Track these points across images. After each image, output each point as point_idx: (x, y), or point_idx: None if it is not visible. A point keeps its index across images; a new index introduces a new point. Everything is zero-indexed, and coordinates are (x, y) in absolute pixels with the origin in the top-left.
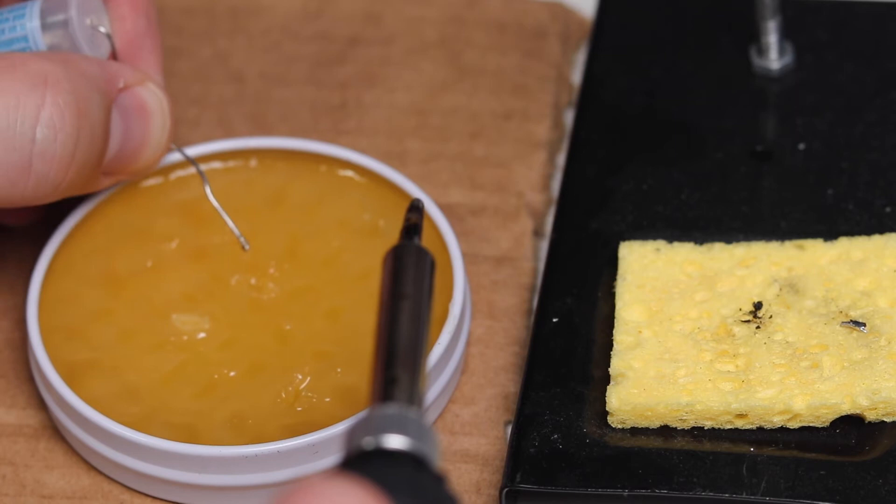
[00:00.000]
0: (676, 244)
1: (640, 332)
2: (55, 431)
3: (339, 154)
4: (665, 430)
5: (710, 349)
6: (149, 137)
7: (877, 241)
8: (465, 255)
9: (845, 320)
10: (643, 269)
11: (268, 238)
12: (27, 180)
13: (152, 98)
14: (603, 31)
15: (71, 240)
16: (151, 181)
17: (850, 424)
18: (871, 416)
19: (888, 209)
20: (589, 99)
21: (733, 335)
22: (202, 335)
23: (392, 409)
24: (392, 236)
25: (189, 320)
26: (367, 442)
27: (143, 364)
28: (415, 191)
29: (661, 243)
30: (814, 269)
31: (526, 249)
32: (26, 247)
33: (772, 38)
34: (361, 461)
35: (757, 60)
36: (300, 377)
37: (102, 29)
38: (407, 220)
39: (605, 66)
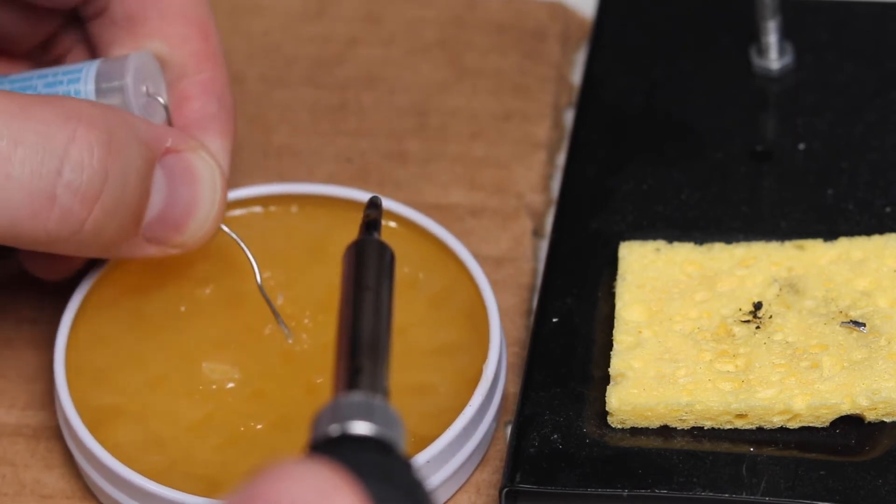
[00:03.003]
0: (676, 244)
1: (640, 332)
2: (55, 432)
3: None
4: (665, 430)
5: (710, 349)
6: (196, 206)
7: (877, 241)
8: None
9: (845, 320)
10: (643, 269)
11: (305, 287)
12: (50, 211)
13: (203, 166)
14: (603, 31)
15: (105, 279)
16: None
17: (850, 424)
18: (870, 417)
19: (888, 209)
20: (589, 99)
21: (733, 335)
22: (231, 385)
23: (357, 396)
24: (432, 290)
25: (219, 369)
26: (333, 429)
27: (170, 412)
28: (457, 245)
29: (661, 243)
30: (814, 270)
31: (525, 250)
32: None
33: (772, 38)
34: (329, 447)
35: (757, 60)
36: None
37: (161, 99)
38: (366, 216)
39: (605, 66)
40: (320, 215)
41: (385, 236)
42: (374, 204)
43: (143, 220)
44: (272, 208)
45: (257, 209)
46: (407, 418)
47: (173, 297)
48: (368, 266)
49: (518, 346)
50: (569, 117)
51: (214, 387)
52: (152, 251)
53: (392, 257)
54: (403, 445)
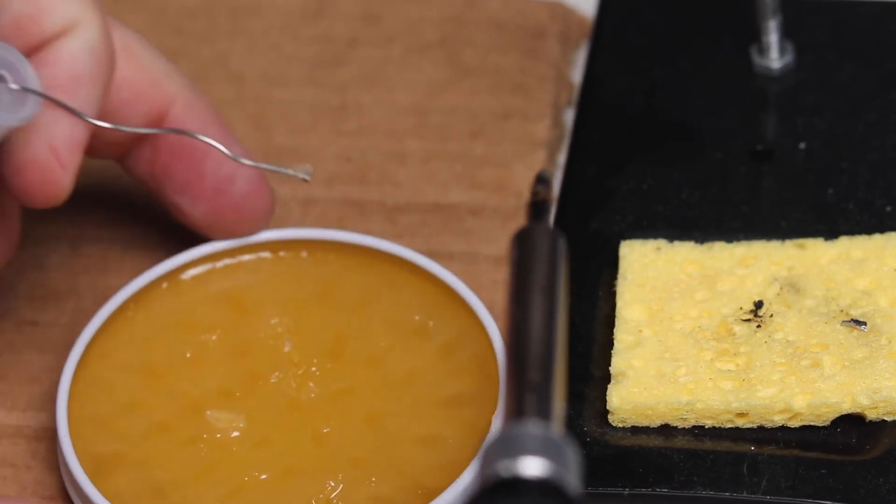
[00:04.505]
0: (677, 243)
1: (640, 331)
2: (56, 433)
3: (391, 250)
4: (666, 429)
5: (711, 348)
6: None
7: (877, 240)
8: (465, 255)
9: (846, 319)
10: (644, 269)
11: (313, 334)
12: None
13: None
14: (603, 31)
15: (109, 327)
16: (197, 270)
17: (851, 423)
18: (871, 415)
19: (888, 208)
20: (589, 99)
21: (734, 334)
22: (236, 434)
23: (529, 427)
24: (442, 339)
25: (224, 417)
26: (504, 467)
27: (173, 461)
28: (468, 294)
29: (661, 242)
30: (814, 269)
31: None
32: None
33: (772, 37)
34: (502, 494)
35: (757, 60)
36: (332, 484)
37: (13, 86)
38: (534, 194)
39: (605, 66)
40: (330, 260)
41: (396, 283)
42: (543, 179)
43: None
44: (281, 253)
45: (266, 254)
46: (414, 469)
47: (178, 344)
48: (539, 260)
49: None
50: (569, 116)
51: (219, 436)
52: None
53: (565, 248)
54: (578, 483)
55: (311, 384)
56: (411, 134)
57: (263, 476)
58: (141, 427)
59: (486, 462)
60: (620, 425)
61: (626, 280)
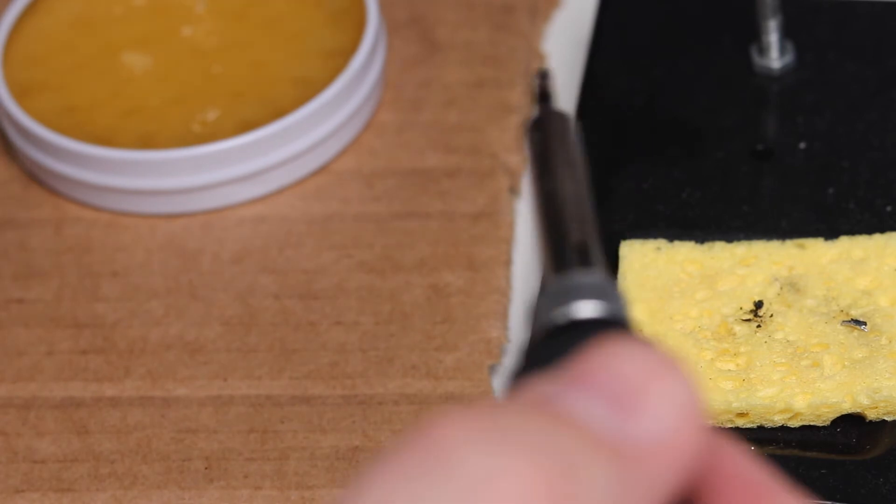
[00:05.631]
0: (677, 243)
1: (640, 330)
2: (45, 401)
3: None
4: None
5: (711, 348)
6: None
7: (877, 240)
8: (442, 214)
9: (846, 319)
10: (644, 268)
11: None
12: None
13: None
14: (603, 31)
15: None
16: None
17: (851, 423)
18: (871, 415)
19: (889, 208)
20: (589, 99)
21: (734, 334)
22: (142, 70)
23: (574, 277)
24: (333, 7)
25: (136, 58)
26: (561, 314)
27: (87, 88)
28: None
29: (661, 242)
30: (814, 268)
31: (503, 205)
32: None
33: (772, 37)
34: (561, 340)
35: (758, 59)
36: (212, 111)
37: None
38: (539, 87)
39: (605, 66)
40: None
41: None
42: (543, 75)
43: None
44: None
45: None
46: (283, 102)
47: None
48: (558, 139)
49: (498, 294)
50: None
51: (128, 71)
52: None
53: (576, 126)
54: (631, 320)
55: (215, 38)
56: (386, 106)
57: (158, 101)
58: (66, 63)
59: (538, 316)
60: None
61: (626, 280)
